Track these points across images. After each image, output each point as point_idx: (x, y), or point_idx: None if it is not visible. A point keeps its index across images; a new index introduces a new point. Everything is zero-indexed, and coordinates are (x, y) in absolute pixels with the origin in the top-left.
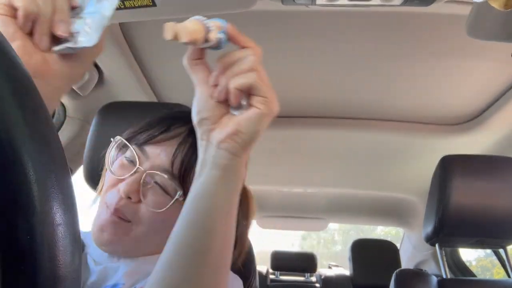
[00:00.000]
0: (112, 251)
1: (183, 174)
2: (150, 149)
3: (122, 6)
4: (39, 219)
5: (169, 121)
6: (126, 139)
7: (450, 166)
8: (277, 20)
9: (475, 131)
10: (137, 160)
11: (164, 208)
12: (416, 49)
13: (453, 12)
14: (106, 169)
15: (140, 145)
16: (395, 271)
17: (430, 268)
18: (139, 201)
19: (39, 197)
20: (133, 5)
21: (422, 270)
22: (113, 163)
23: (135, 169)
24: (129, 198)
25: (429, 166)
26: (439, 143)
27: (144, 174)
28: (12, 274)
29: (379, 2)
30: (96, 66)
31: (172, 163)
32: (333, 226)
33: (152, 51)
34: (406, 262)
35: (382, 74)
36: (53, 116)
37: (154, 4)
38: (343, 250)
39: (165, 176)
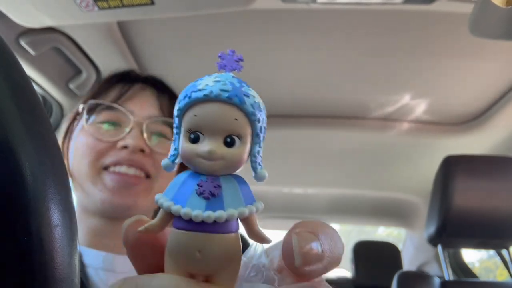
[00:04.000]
0: (118, 225)
1: (171, 116)
2: (128, 105)
3: (120, 4)
4: (36, 220)
5: (125, 79)
6: (95, 104)
7: (453, 166)
8: (277, 18)
9: (478, 130)
10: (128, 114)
11: None
12: (418, 48)
13: (455, 10)
14: (66, 143)
15: (114, 103)
16: (397, 273)
17: (432, 269)
18: (150, 153)
19: (36, 198)
20: (131, 3)
21: (424, 272)
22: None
23: (131, 123)
24: (141, 151)
25: (431, 166)
26: (441, 143)
27: (144, 125)
28: (8, 276)
29: (380, 1)
30: (94, 65)
31: (161, 109)
32: (334, 227)
33: (150, 49)
34: (409, 263)
35: (383, 73)
36: (50, 115)
37: (152, 3)
38: (344, 251)
39: (161, 121)
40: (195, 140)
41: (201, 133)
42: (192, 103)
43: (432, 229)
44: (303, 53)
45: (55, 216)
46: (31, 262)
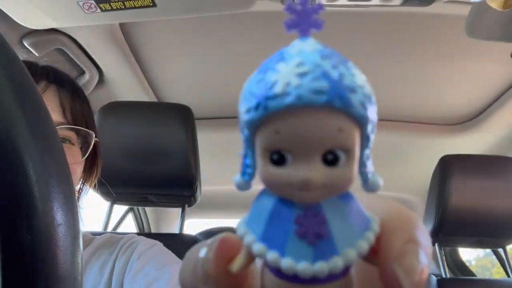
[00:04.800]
0: None
1: (75, 120)
2: None
3: (123, 7)
4: (40, 220)
5: None
6: None
7: (449, 166)
8: (277, 20)
9: (474, 131)
10: None
11: (85, 156)
12: (415, 49)
13: (453, 12)
14: None
15: None
16: None
17: (429, 268)
18: None
19: (40, 198)
20: (133, 6)
21: None
22: None
23: None
24: None
25: (428, 166)
26: (438, 143)
27: None
28: (13, 274)
29: (378, 2)
30: (96, 66)
31: (64, 114)
32: None
33: (152, 51)
34: None
35: (381, 74)
36: None
37: (154, 5)
38: None
39: (65, 128)
40: (280, 161)
41: (288, 152)
42: (271, 115)
43: (429, 228)
44: None
45: (59, 215)
46: (35, 261)
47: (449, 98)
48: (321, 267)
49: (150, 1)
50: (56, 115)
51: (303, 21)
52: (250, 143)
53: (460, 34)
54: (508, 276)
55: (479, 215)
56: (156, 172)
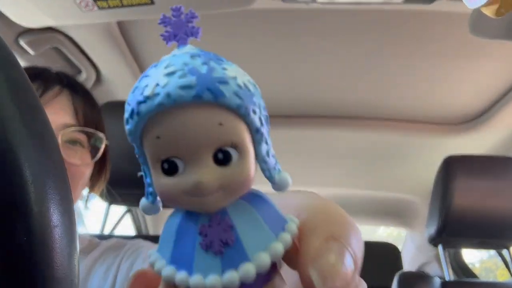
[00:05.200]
0: None
1: (87, 123)
2: None
3: (120, 4)
4: (36, 221)
5: (37, 81)
6: None
7: (453, 166)
8: (277, 18)
9: (478, 130)
10: None
11: (96, 158)
12: (418, 48)
13: (455, 10)
14: None
15: None
16: (397, 274)
17: (433, 270)
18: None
19: (36, 198)
20: (131, 3)
21: (424, 272)
22: None
23: None
24: None
25: (431, 166)
26: (441, 143)
27: (59, 135)
28: (8, 275)
29: (380, 0)
30: (94, 64)
31: (76, 117)
32: None
33: (150, 49)
34: (409, 263)
35: (384, 72)
36: None
37: (152, 2)
38: None
39: (77, 130)
40: (171, 170)
41: (177, 158)
42: (146, 121)
43: (432, 229)
44: (302, 53)
45: (55, 217)
46: (31, 263)
47: (452, 97)
48: (230, 277)
49: None
50: (69, 118)
51: (179, 31)
52: (142, 158)
53: (463, 33)
54: None
55: (484, 216)
56: None
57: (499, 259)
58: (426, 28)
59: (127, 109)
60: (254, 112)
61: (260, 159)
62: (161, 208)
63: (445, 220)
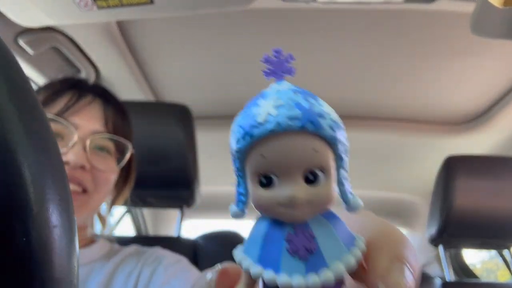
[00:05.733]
0: None
1: (115, 131)
2: (73, 118)
3: (120, 4)
4: (35, 221)
5: (73, 90)
6: None
7: (454, 167)
8: (277, 17)
9: (479, 130)
10: (73, 129)
11: (121, 166)
12: (419, 47)
13: (456, 9)
14: None
15: (59, 116)
16: None
17: (433, 270)
18: (90, 169)
19: (35, 199)
20: (130, 3)
21: (425, 272)
22: None
23: (75, 138)
24: (81, 167)
25: (432, 166)
26: (442, 143)
27: (88, 141)
28: (7, 276)
29: (380, 0)
30: (93, 64)
31: (106, 125)
32: None
33: (150, 49)
34: None
35: (383, 72)
36: None
37: (152, 2)
38: None
39: (105, 137)
40: (268, 184)
41: (274, 175)
42: (256, 142)
43: (433, 230)
44: (303, 53)
45: (54, 217)
46: (30, 263)
47: (454, 97)
48: (313, 280)
49: None
50: (98, 125)
51: (278, 69)
52: (241, 172)
53: (464, 32)
54: None
55: (485, 216)
56: (154, 173)
57: (500, 259)
58: (426, 28)
59: (239, 131)
60: (341, 142)
61: (339, 181)
62: (245, 214)
63: (446, 220)
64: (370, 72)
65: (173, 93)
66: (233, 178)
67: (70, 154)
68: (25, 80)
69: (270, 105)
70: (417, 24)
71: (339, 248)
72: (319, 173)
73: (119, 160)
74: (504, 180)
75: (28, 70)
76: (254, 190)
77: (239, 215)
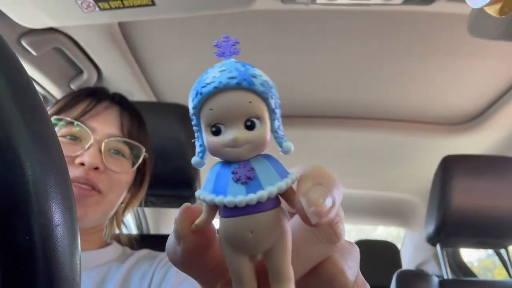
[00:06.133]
0: None
1: (130, 136)
2: (90, 122)
3: (121, 5)
4: (38, 220)
5: (91, 96)
6: (58, 119)
7: (451, 166)
8: (277, 19)
9: (477, 130)
10: (89, 132)
11: (134, 168)
12: (417, 48)
13: (454, 11)
14: None
15: (75, 120)
16: (396, 272)
17: (431, 268)
18: (104, 170)
19: (37, 198)
20: (132, 4)
21: (423, 270)
22: None
23: (91, 141)
24: (96, 169)
25: (430, 166)
26: (440, 143)
27: (103, 143)
28: (11, 275)
29: (379, 1)
30: (95, 65)
31: (122, 129)
32: None
33: (151, 50)
34: (407, 262)
35: (382, 73)
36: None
37: (153, 3)
38: None
39: (121, 141)
40: (217, 132)
41: (221, 124)
42: (205, 99)
43: (431, 229)
44: (302, 54)
45: (57, 216)
46: (33, 262)
47: (451, 98)
48: (251, 197)
49: (149, 0)
50: (114, 129)
51: (226, 50)
52: (198, 127)
53: (461, 33)
54: (510, 277)
55: (482, 215)
56: (155, 173)
57: (497, 258)
58: (425, 29)
59: (193, 93)
60: (272, 97)
61: (274, 130)
62: (205, 163)
63: (443, 219)
64: (368, 73)
65: (174, 94)
66: None
67: (85, 156)
68: (27, 80)
69: (215, 71)
70: (415, 25)
71: (274, 177)
72: (256, 121)
73: (134, 163)
74: (502, 180)
75: (31, 71)
76: (208, 138)
77: (199, 163)
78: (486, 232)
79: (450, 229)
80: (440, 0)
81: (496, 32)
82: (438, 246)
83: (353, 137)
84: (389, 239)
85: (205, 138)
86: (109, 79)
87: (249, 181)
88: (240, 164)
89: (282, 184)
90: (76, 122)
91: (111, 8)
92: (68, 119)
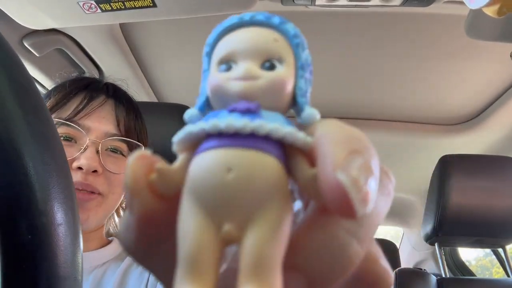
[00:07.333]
0: None
1: (128, 132)
2: (85, 121)
3: (123, 7)
4: (40, 219)
5: (84, 92)
6: None
7: (449, 166)
8: None
9: (474, 131)
10: (84, 133)
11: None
12: (415, 50)
13: (453, 12)
14: None
15: (69, 120)
16: (395, 270)
17: (429, 267)
18: (103, 172)
19: (40, 197)
20: (133, 6)
21: (421, 269)
22: None
23: (87, 141)
24: (94, 171)
25: (428, 166)
26: (438, 143)
27: (100, 144)
28: (13, 274)
29: (378, 3)
30: (97, 66)
31: (118, 126)
32: None
33: (152, 51)
34: (406, 261)
35: (381, 74)
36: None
37: (154, 5)
38: None
39: (117, 139)
40: (227, 70)
41: (233, 62)
42: (225, 33)
43: (428, 228)
44: None
45: (59, 215)
46: (35, 260)
47: (449, 98)
48: (244, 123)
49: (150, 2)
50: (111, 127)
51: None
52: (207, 71)
53: (459, 34)
54: (508, 276)
55: (479, 215)
56: None
57: (494, 257)
58: (423, 30)
59: (213, 31)
60: (303, 49)
61: (298, 87)
62: (200, 119)
63: (441, 219)
64: (367, 74)
65: (175, 94)
66: None
67: (82, 159)
68: (30, 81)
69: (246, 16)
70: (413, 26)
71: (285, 123)
72: (277, 64)
73: None
74: (499, 179)
75: (33, 72)
76: (213, 75)
77: (194, 117)
78: (483, 231)
79: (448, 229)
80: (438, 2)
81: (493, 33)
82: (436, 245)
83: None
84: (388, 238)
85: (211, 75)
86: (110, 80)
87: (247, 111)
88: (241, 101)
89: (291, 130)
90: (70, 124)
91: (112, 10)
92: (62, 120)
